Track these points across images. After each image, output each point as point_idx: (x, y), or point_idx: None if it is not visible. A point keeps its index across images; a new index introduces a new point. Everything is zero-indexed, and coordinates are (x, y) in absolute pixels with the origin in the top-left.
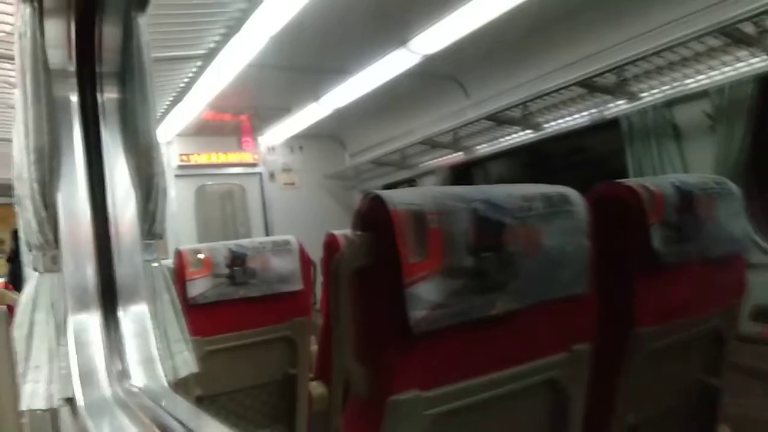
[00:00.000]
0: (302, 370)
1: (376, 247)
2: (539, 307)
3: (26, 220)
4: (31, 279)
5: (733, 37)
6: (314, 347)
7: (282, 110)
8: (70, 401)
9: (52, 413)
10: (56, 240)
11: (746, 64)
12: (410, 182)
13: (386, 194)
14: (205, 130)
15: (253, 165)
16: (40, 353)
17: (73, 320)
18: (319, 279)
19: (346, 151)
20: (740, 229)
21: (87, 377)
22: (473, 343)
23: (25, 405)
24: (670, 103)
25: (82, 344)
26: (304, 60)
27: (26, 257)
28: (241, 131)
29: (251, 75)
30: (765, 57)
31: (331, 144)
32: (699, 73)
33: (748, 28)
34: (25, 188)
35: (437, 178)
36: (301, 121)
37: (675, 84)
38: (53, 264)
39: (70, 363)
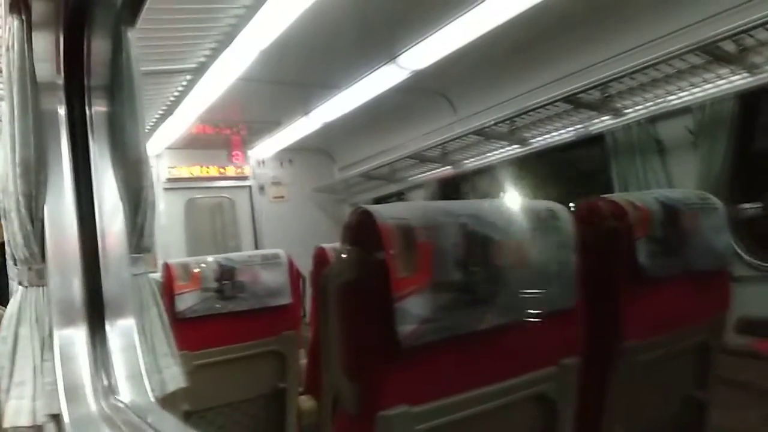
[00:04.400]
0: (291, 384)
1: (364, 261)
2: (527, 321)
3: (12, 233)
4: (16, 293)
5: (715, 55)
6: (303, 361)
7: (271, 124)
8: (56, 418)
9: (37, 430)
10: (42, 254)
11: (727, 82)
12: (399, 196)
13: (375, 209)
14: (195, 144)
15: (243, 178)
16: (25, 369)
17: (59, 335)
18: (309, 292)
19: (336, 165)
20: (723, 243)
21: (72, 393)
22: (462, 357)
23: (9, 422)
24: (654, 119)
25: (67, 359)
26: (294, 74)
27: (11, 271)
28: (231, 145)
29: (241, 89)
30: (745, 75)
31: (321, 157)
32: (681, 89)
33: (729, 47)
34: (11, 201)
35: (426, 192)
36: (290, 135)
37: (658, 100)
38: (39, 278)
39: (56, 378)
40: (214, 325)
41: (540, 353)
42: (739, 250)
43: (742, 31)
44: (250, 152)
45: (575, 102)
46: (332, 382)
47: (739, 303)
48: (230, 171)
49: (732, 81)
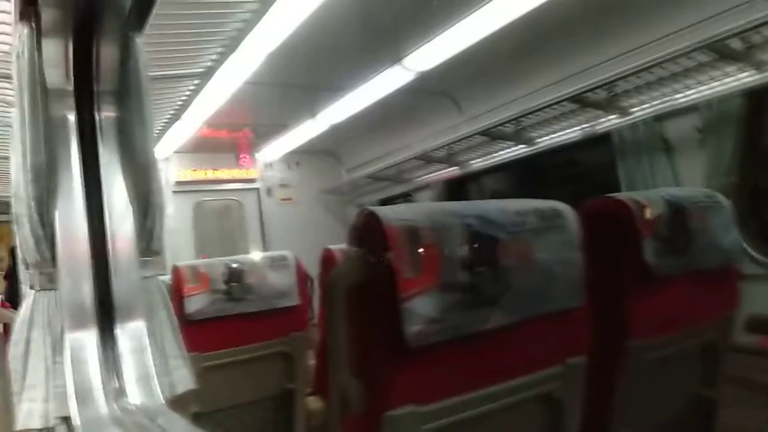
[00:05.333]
0: (300, 385)
1: (371, 262)
2: (534, 320)
3: (23, 237)
4: (28, 297)
5: (722, 53)
6: (312, 362)
7: (279, 126)
8: (66, 420)
9: None
10: (53, 258)
11: (734, 79)
12: (406, 197)
13: (381, 210)
14: (203, 147)
15: (251, 181)
16: (37, 372)
17: (70, 338)
18: (317, 294)
19: (343, 167)
20: (731, 241)
21: (83, 395)
22: (469, 357)
23: (21, 424)
24: (661, 118)
25: (78, 362)
26: (301, 77)
27: (23, 275)
28: (239, 147)
29: (248, 92)
30: (752, 72)
31: (328, 159)
32: (688, 88)
33: (736, 44)
34: (22, 206)
35: (432, 193)
36: (297, 137)
37: (665, 99)
38: (50, 282)
39: (67, 381)
40: (223, 327)
41: (546, 353)
42: (748, 248)
43: (750, 29)
44: (257, 155)
45: (581, 101)
46: (340, 383)
47: (748, 301)
48: (238, 173)
49: (739, 78)
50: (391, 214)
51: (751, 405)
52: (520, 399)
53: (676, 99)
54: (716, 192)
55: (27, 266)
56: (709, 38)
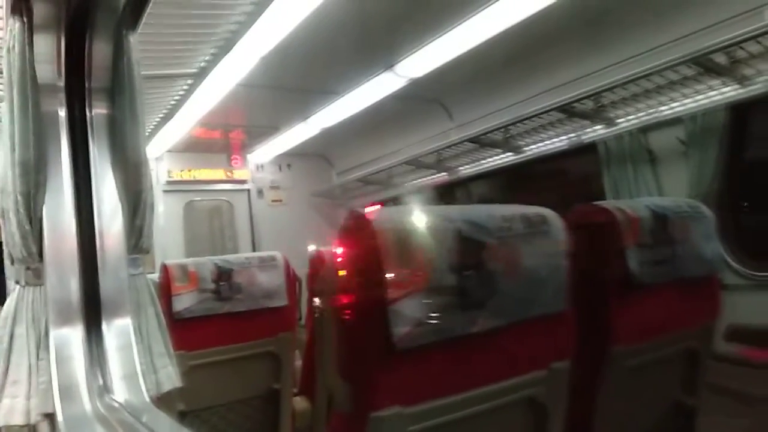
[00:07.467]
0: (286, 386)
1: (360, 264)
2: (519, 325)
3: (10, 233)
4: (13, 292)
5: (706, 67)
6: (298, 362)
7: (271, 129)
8: (50, 417)
9: (31, 429)
10: (40, 253)
11: (718, 93)
12: (395, 201)
13: (370, 212)
14: (194, 147)
15: (242, 182)
16: (20, 368)
17: (55, 334)
18: (305, 295)
19: (334, 170)
20: (713, 251)
21: (67, 392)
22: (455, 359)
23: (2, 421)
24: (646, 129)
25: (63, 358)
26: (293, 80)
27: (8, 270)
28: (231, 149)
29: (241, 94)
30: (736, 86)
31: (319, 162)
32: (673, 100)
33: (720, 59)
34: (9, 201)
35: (422, 197)
36: (289, 140)
37: (650, 111)
38: (36, 278)
39: (51, 377)
40: (211, 326)
41: (531, 357)
42: (728, 259)
43: (734, 44)
44: (249, 156)
45: (569, 111)
46: (327, 383)
47: (728, 311)
48: (229, 174)
49: (723, 92)
50: (380, 216)
51: (731, 413)
52: (505, 402)
53: (661, 111)
54: (699, 203)
55: (12, 261)
56: (695, 52)
